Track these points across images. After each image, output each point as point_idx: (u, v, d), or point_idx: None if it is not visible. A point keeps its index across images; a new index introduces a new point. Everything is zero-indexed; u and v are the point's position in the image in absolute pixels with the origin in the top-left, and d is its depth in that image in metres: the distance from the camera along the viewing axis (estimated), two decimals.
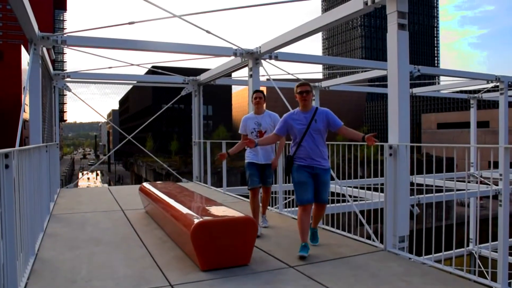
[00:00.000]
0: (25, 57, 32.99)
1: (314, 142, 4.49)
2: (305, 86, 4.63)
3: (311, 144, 4.49)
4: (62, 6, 74.27)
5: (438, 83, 16.64)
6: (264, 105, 5.75)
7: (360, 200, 8.40)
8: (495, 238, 4.00)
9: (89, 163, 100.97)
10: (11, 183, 2.99)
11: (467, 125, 15.61)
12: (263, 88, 9.02)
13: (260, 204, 5.84)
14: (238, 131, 5.79)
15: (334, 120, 4.56)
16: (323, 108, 4.65)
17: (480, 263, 12.49)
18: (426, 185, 8.10)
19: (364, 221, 5.92)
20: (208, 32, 6.92)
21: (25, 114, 6.72)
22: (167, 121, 58.27)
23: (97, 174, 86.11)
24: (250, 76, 8.25)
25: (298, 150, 4.54)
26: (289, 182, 6.91)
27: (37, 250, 4.56)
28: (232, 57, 8.60)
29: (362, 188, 8.67)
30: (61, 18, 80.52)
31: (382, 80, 11.59)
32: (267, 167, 5.60)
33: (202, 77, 11.30)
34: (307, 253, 4.39)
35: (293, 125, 4.58)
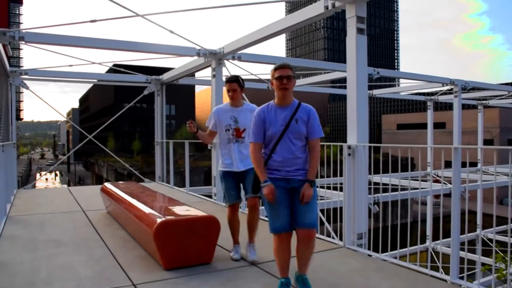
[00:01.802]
0: None
1: (291, 149, 3.32)
2: (286, 69, 3.35)
3: (286, 152, 3.32)
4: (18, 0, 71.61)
5: (398, 85, 17.20)
6: (243, 95, 4.64)
7: (321, 199, 8.58)
8: (448, 235, 4.21)
9: (47, 163, 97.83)
10: None
11: (425, 125, 16.22)
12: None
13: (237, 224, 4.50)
14: (205, 124, 4.58)
15: (313, 126, 3.38)
16: (308, 106, 3.45)
17: (436, 258, 12.98)
18: (386, 184, 8.39)
19: (324, 220, 6.07)
20: (171, 32, 6.91)
21: None
22: (129, 120, 57.32)
23: (55, 175, 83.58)
24: (213, 76, 8.28)
25: (270, 160, 3.36)
26: None
27: None
28: (196, 57, 8.60)
29: (322, 187, 8.86)
30: (17, 12, 77.56)
31: (344, 82, 11.89)
32: (248, 174, 4.29)
33: (165, 76, 11.23)
34: None
35: (267, 125, 3.38)
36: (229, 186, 4.42)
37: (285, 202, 3.32)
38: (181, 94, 51.48)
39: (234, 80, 4.42)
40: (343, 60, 5.59)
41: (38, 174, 63.49)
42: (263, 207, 3.68)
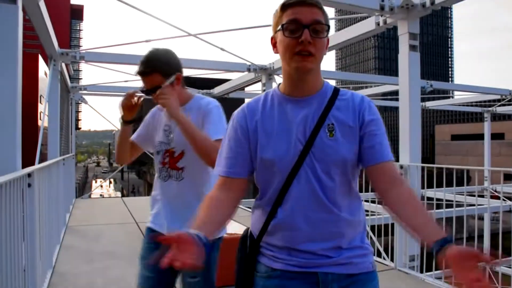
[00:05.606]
0: (42, 67, 33.61)
1: (320, 199, 1.30)
2: (309, 6, 1.28)
3: (310, 205, 1.30)
4: (79, 17, 75.48)
5: (452, 97, 16.62)
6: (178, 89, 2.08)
7: (371, 215, 8.37)
8: (508, 253, 4.01)
9: (102, 171, 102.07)
10: (33, 201, 3.11)
11: (481, 136, 15.37)
12: None
13: None
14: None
15: (375, 140, 1.34)
16: (356, 94, 1.39)
17: (495, 280, 12.34)
18: (439, 199, 8.07)
19: (375, 239, 5.93)
20: (222, 49, 7.06)
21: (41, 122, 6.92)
22: None
23: (110, 182, 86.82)
24: (263, 91, 8.37)
25: (274, 220, 1.35)
26: None
27: (54, 263, 4.69)
28: (246, 73, 8.74)
29: (373, 202, 8.64)
30: (78, 28, 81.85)
31: (395, 94, 11.64)
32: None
33: (216, 90, 11.45)
34: None
35: (261, 141, 1.35)
36: (146, 254, 2.18)
37: None
38: (230, 105, 52.24)
39: (150, 71, 2.00)
40: (395, 69, 5.49)
41: (93, 182, 66.23)
42: None
